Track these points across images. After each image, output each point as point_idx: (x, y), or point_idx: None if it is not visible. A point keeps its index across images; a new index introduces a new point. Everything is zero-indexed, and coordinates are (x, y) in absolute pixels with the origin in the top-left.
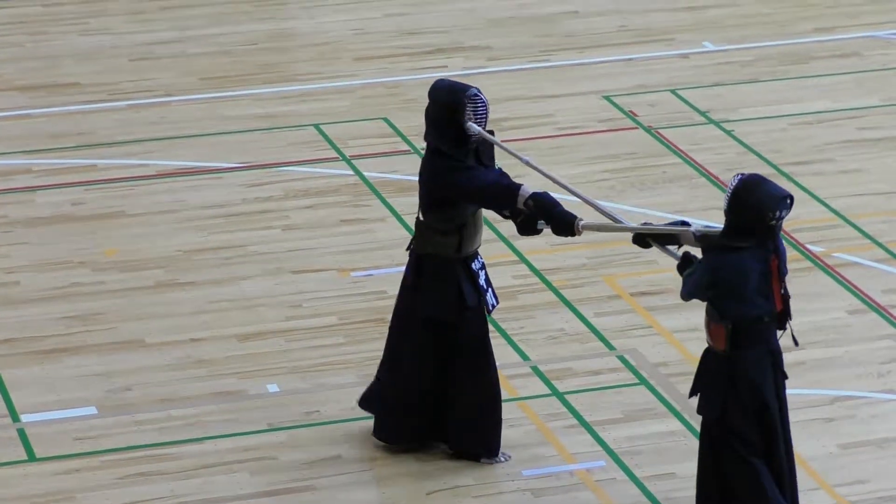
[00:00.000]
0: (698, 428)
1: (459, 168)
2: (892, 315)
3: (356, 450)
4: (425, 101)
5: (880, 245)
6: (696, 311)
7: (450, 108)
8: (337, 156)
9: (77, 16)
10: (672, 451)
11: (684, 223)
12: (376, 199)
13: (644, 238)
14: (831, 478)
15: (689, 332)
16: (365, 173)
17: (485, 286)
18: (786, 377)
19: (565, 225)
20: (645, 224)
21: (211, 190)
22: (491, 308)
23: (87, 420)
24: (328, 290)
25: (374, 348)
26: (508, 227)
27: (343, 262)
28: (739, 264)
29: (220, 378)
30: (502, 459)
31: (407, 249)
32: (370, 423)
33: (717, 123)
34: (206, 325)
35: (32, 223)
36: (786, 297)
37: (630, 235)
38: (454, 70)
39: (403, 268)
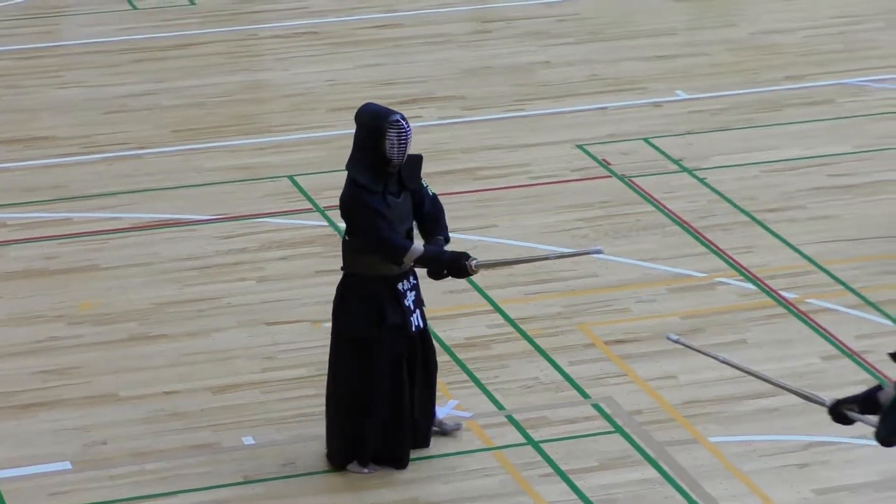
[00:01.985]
0: (673, 475)
1: (368, 211)
2: (865, 361)
3: (333, 501)
4: None
5: (853, 291)
6: (670, 359)
7: (371, 132)
8: (311, 206)
9: (52, 69)
10: (647, 499)
11: (848, 400)
12: None
13: (842, 414)
14: None
15: (664, 380)
16: (339, 224)
17: (412, 307)
18: None
19: (458, 270)
20: (553, 253)
21: (185, 242)
22: (415, 329)
23: (62, 475)
24: (302, 341)
25: None
26: (481, 277)
27: (317, 314)
28: None
29: (195, 431)
30: (366, 471)
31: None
32: (348, 475)
33: (689, 171)
34: (181, 377)
35: (6, 277)
36: None
37: None
38: (429, 120)
39: None
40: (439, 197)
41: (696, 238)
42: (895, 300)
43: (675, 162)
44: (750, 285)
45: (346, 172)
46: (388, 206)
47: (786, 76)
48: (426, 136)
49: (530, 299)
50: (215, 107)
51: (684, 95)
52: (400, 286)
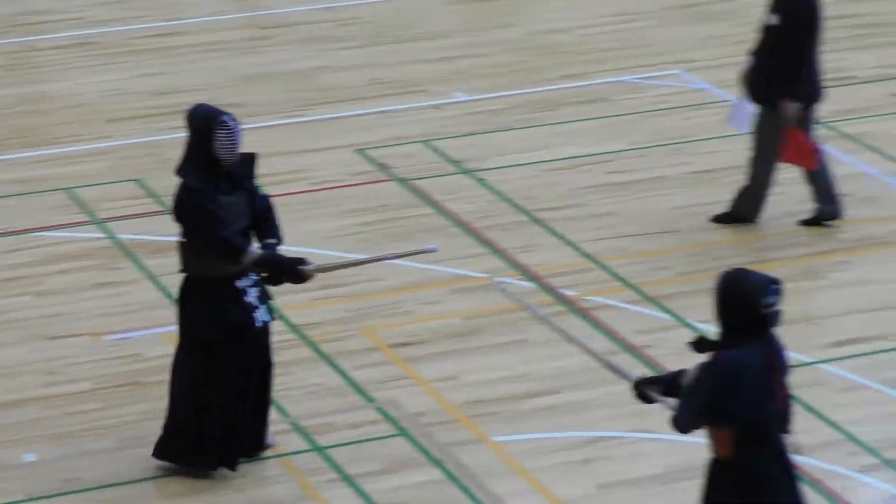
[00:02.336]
0: (458, 475)
1: (201, 213)
2: (644, 355)
3: None
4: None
5: (632, 286)
6: (453, 360)
7: (200, 133)
8: (89, 219)
9: None
10: (434, 500)
11: (652, 379)
12: (130, 261)
13: (644, 393)
14: None
15: (447, 381)
16: (119, 236)
17: (255, 303)
18: (795, 479)
19: (294, 275)
20: (387, 254)
21: None
22: (261, 324)
23: None
24: (83, 354)
25: (131, 412)
26: None
27: (97, 326)
28: (742, 361)
29: None
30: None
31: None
32: (131, 488)
33: (470, 172)
34: None
35: None
36: (789, 396)
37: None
38: None
39: (161, 329)
40: None
41: (477, 239)
42: (673, 295)
43: (456, 163)
44: (530, 284)
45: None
46: (220, 206)
47: (562, 75)
48: None
49: (314, 305)
50: None
51: (464, 97)
52: (239, 284)
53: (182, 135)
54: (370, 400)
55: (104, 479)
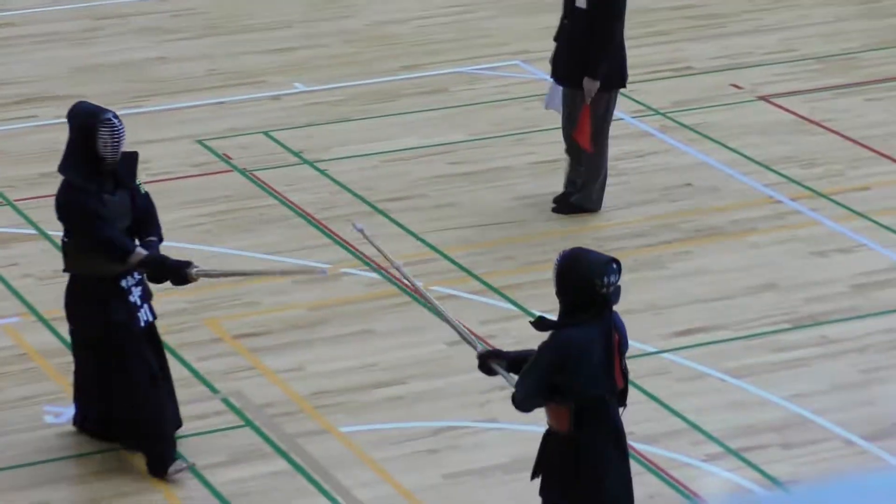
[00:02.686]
0: (305, 466)
1: (85, 212)
2: (489, 344)
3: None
4: (14, 154)
5: (475, 277)
6: (298, 351)
7: (83, 131)
8: None
9: None
10: (280, 491)
11: (497, 353)
12: None
13: (488, 365)
14: None
15: (293, 372)
16: None
17: (139, 302)
18: (627, 456)
19: (179, 277)
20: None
21: None
22: (143, 323)
23: None
24: None
25: None
26: None
27: None
28: (582, 339)
29: None
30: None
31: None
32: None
33: (310, 163)
34: None
35: None
36: (625, 373)
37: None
38: (46, 119)
39: (2, 321)
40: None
41: (320, 229)
42: (516, 285)
43: (296, 154)
44: (375, 275)
45: (60, 175)
46: (104, 205)
47: (401, 66)
48: (42, 136)
49: (156, 296)
50: None
51: (303, 88)
52: (124, 283)
53: (21, 125)
54: (215, 391)
55: None
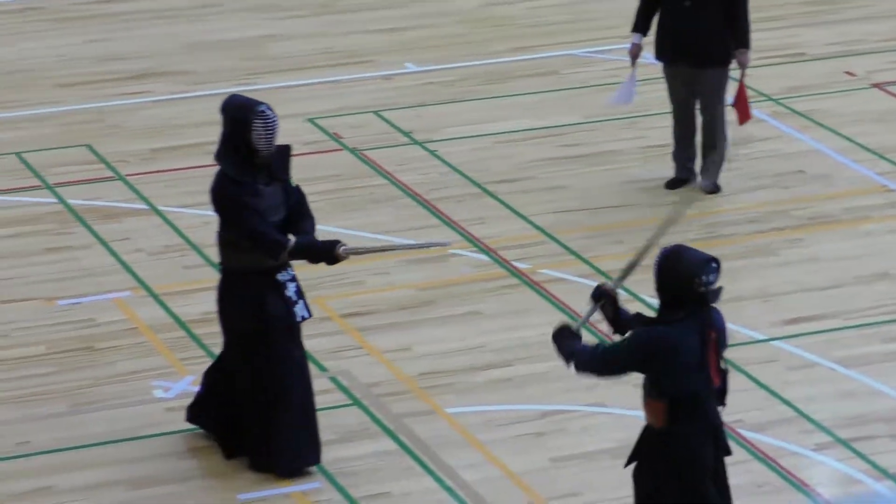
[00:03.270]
0: (411, 446)
1: (239, 203)
2: (596, 328)
3: (68, 479)
4: (128, 127)
5: (584, 260)
6: (406, 332)
7: (237, 123)
8: (40, 184)
9: None
10: (386, 471)
11: (640, 316)
12: (82, 226)
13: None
14: (544, 491)
15: (400, 352)
16: (69, 201)
17: (294, 297)
18: (728, 453)
19: (328, 256)
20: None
21: None
22: (300, 319)
23: None
24: (35, 319)
25: (83, 377)
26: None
27: (50, 291)
28: (669, 339)
29: None
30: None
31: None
32: (83, 453)
33: (420, 144)
34: None
35: None
36: (724, 372)
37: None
38: (159, 95)
39: (113, 295)
40: (172, 173)
41: (429, 210)
42: None
43: (406, 134)
44: (483, 256)
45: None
46: (259, 197)
47: (513, 48)
48: (156, 112)
49: None
50: None
51: (414, 68)
52: (280, 277)
53: (135, 100)
54: (323, 369)
55: (55, 443)
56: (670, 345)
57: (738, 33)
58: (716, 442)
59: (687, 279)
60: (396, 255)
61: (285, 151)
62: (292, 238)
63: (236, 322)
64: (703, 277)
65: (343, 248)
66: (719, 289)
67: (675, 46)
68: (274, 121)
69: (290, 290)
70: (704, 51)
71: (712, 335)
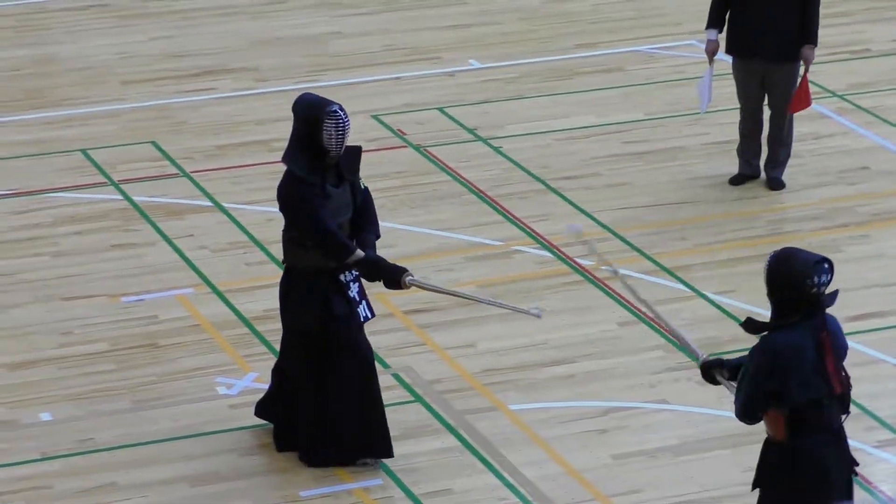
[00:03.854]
0: (473, 443)
1: (307, 203)
2: (660, 326)
3: (131, 476)
4: (193, 124)
5: (647, 257)
6: (469, 328)
7: (308, 122)
8: (105, 181)
9: None
10: (448, 467)
11: (720, 362)
12: (146, 223)
13: (711, 375)
14: (606, 488)
15: (463, 349)
16: (134, 198)
17: (357, 298)
18: (856, 464)
19: (392, 282)
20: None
21: None
22: (363, 319)
23: None
24: (99, 315)
25: (146, 373)
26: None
27: (114, 288)
28: (790, 342)
29: None
30: (370, 463)
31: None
32: (145, 449)
33: (484, 140)
34: None
35: None
36: (845, 378)
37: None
38: (224, 92)
39: (176, 291)
40: (237, 170)
41: (493, 206)
42: (688, 266)
43: (470, 131)
44: (546, 253)
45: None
46: (327, 198)
47: (577, 44)
48: (220, 109)
49: None
50: (5, 81)
51: (478, 65)
52: (343, 277)
53: (199, 97)
54: (385, 366)
55: (118, 440)
56: (787, 350)
57: (807, 28)
58: (841, 454)
59: (799, 281)
60: (460, 251)
61: (355, 152)
62: (360, 251)
63: (299, 320)
64: (816, 279)
65: (409, 278)
66: (835, 292)
67: (749, 41)
68: (345, 122)
69: (353, 291)
70: (779, 46)
71: (826, 338)
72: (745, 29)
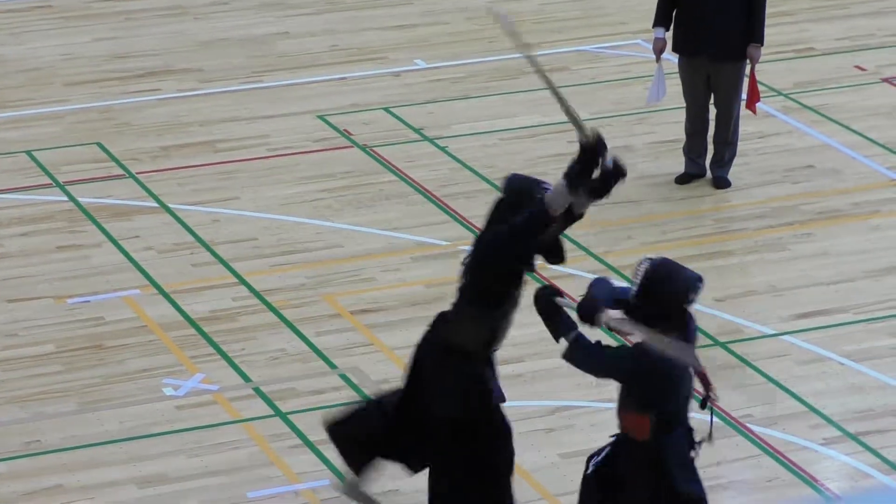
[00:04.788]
0: None
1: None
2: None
3: (78, 478)
4: (137, 125)
5: (594, 256)
6: (416, 328)
7: (512, 204)
8: (50, 182)
9: None
10: (396, 467)
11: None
12: (92, 224)
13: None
14: (554, 487)
15: (409, 349)
16: (79, 199)
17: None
18: (699, 444)
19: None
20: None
21: None
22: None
23: None
24: (45, 317)
25: (93, 375)
26: (225, 249)
27: (60, 289)
28: (672, 365)
29: None
30: None
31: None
32: (92, 451)
33: (431, 140)
34: None
35: None
36: (703, 375)
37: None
38: (168, 93)
39: (122, 293)
40: (182, 171)
41: (439, 206)
42: (634, 265)
43: (417, 131)
44: None
45: None
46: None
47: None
48: (165, 110)
49: (275, 271)
50: None
51: (424, 65)
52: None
53: (144, 98)
54: (333, 367)
55: (65, 442)
56: (670, 370)
57: (753, 27)
58: (692, 444)
59: (683, 295)
60: (407, 251)
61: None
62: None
63: (457, 408)
64: (694, 295)
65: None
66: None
67: (695, 40)
68: None
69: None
70: (724, 44)
71: (694, 346)
72: (691, 28)
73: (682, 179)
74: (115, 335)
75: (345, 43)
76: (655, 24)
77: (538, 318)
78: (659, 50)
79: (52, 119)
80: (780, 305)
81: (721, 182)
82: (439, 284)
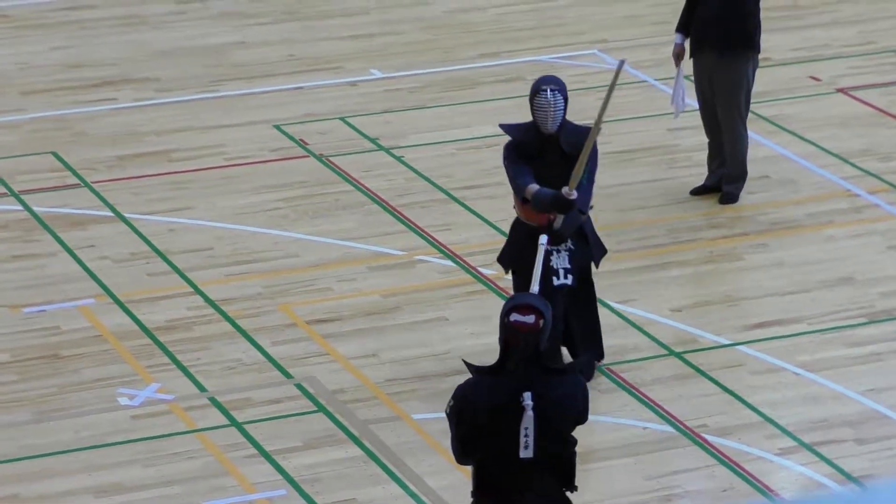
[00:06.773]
0: (377, 453)
1: (506, 162)
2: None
3: (34, 488)
4: (93, 135)
5: None
6: (371, 338)
7: (530, 98)
8: (5, 191)
9: None
10: (352, 477)
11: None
12: (47, 233)
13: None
14: None
15: (366, 359)
16: (34, 208)
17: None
18: None
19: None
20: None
21: None
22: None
23: None
24: (0, 326)
25: (48, 385)
26: (182, 259)
27: (15, 299)
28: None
29: None
30: None
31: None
32: (48, 461)
33: (386, 150)
34: None
35: None
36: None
37: None
38: (124, 102)
39: (78, 302)
40: (138, 180)
41: (395, 216)
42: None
43: (373, 141)
44: (449, 262)
45: None
46: (526, 159)
47: (479, 54)
48: (121, 119)
49: (231, 280)
50: None
51: (380, 74)
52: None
53: (100, 108)
54: (288, 376)
55: (20, 452)
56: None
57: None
58: None
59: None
60: (363, 261)
61: (581, 132)
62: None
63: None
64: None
65: (565, 189)
66: None
67: (697, 35)
68: (549, 102)
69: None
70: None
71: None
72: (696, 25)
73: (696, 191)
74: (71, 345)
75: (301, 52)
76: (676, 29)
77: (492, 328)
78: (676, 55)
79: (7, 128)
80: (735, 316)
81: (725, 198)
82: (395, 294)
